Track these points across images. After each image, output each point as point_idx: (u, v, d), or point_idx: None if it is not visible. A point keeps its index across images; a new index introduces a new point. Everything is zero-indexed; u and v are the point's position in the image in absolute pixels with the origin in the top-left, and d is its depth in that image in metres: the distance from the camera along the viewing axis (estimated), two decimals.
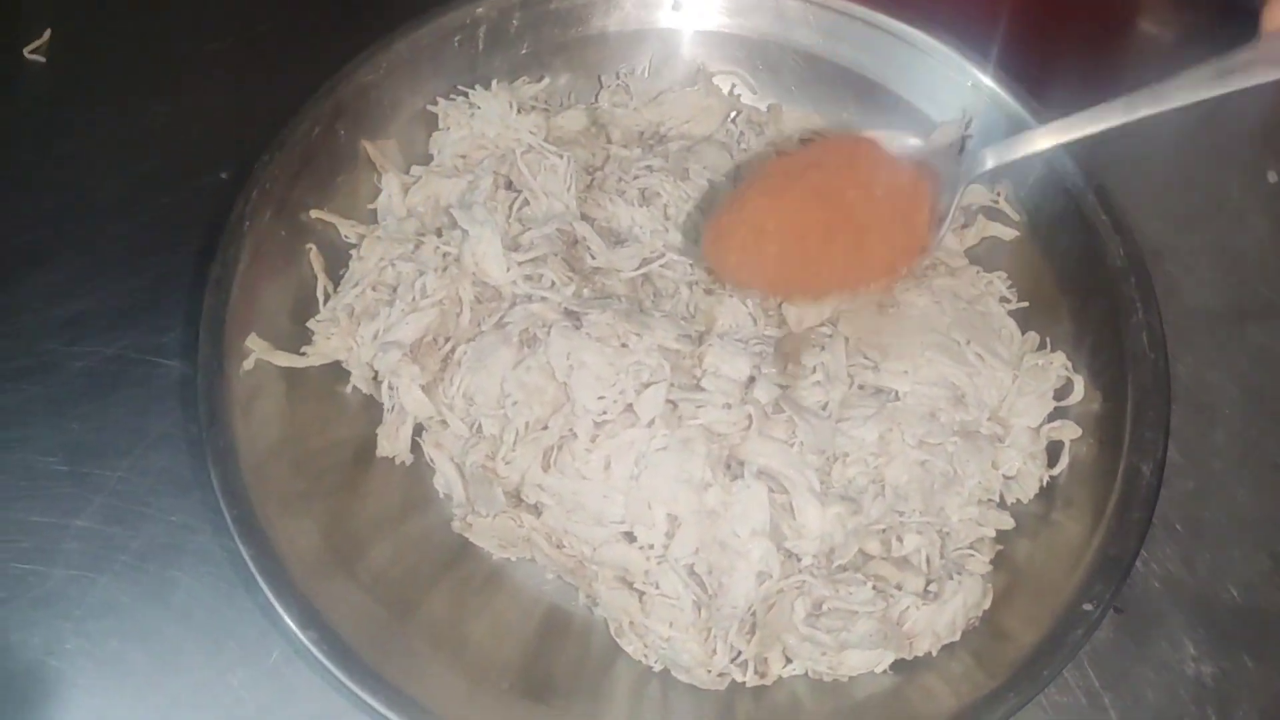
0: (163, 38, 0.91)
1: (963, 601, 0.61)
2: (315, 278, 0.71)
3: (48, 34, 0.89)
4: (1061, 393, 0.69)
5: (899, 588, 0.62)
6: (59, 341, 0.75)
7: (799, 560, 0.62)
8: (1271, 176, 0.89)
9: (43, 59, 0.89)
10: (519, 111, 0.76)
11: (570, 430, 0.63)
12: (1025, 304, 0.73)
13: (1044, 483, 0.68)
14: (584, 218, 0.72)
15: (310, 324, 0.68)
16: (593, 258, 0.69)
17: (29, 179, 0.83)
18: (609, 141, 0.78)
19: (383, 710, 0.54)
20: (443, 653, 0.61)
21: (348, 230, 0.73)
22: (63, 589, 0.66)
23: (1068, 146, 0.73)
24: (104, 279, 0.78)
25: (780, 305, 0.70)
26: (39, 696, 0.64)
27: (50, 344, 0.75)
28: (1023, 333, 0.72)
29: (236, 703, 0.64)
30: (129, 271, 0.78)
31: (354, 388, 0.69)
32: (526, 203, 0.72)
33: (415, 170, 0.75)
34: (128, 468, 0.71)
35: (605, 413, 0.62)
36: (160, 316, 0.76)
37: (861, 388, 0.68)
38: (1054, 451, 0.69)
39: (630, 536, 0.62)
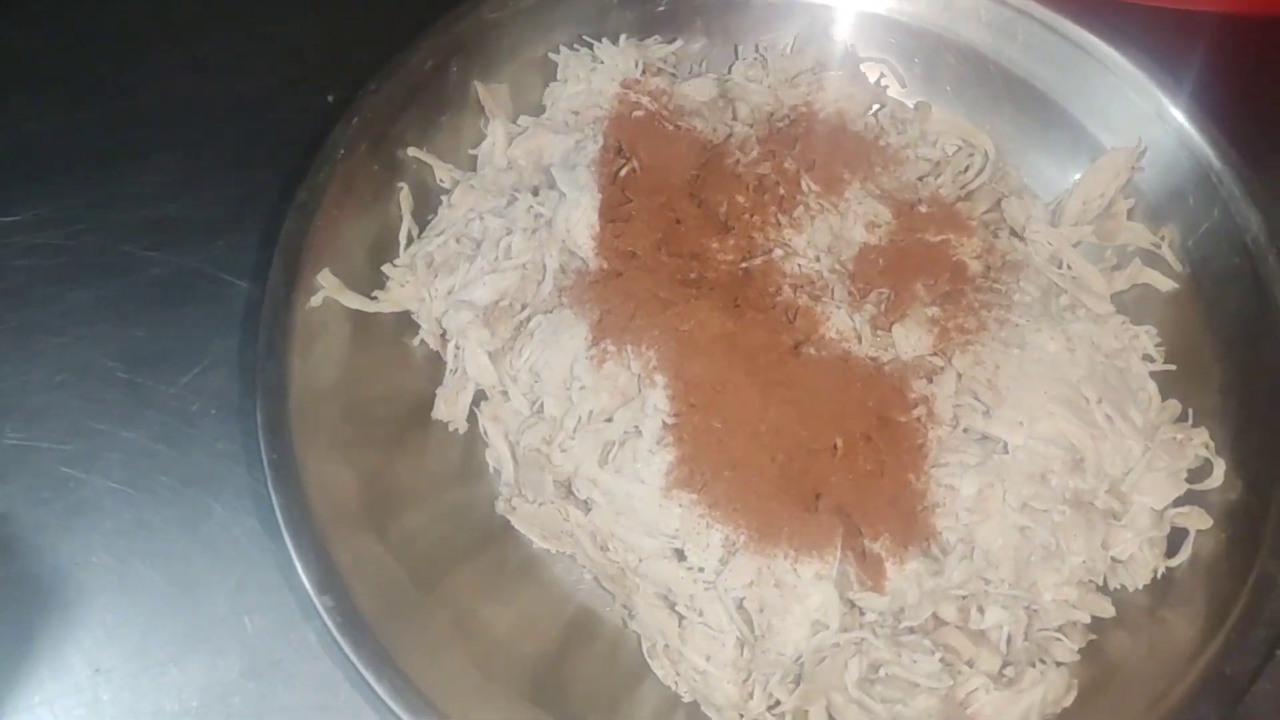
0: None
1: (1042, 695, 0.54)
2: (401, 218, 0.67)
3: None
4: (1197, 475, 0.61)
5: (970, 664, 0.55)
6: (140, 245, 0.73)
7: (862, 614, 0.55)
8: None
9: None
10: (645, 72, 0.70)
11: (636, 427, 0.57)
12: (1172, 367, 0.65)
13: (1158, 574, 0.59)
14: (693, 197, 0.66)
15: (386, 269, 0.64)
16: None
17: (144, 77, 0.82)
18: (734, 118, 0.71)
19: (387, 700, 0.50)
20: (460, 638, 0.57)
21: (443, 173, 0.69)
22: (99, 500, 0.65)
23: (1253, 196, 0.64)
24: (196, 186, 0.76)
25: (891, 325, 0.63)
26: (58, 604, 0.62)
27: (131, 245, 0.73)
28: (1164, 399, 0.63)
29: (249, 649, 0.61)
30: (221, 182, 0.77)
31: (421, 341, 0.65)
32: (635, 171, 0.66)
33: (523, 120, 0.70)
34: (184, 385, 0.69)
35: (678, 415, 0.57)
36: (242, 233, 0.74)
37: (966, 431, 0.61)
38: (1176, 540, 0.60)
39: (681, 554, 0.57)
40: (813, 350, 0.60)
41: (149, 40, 0.83)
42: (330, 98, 0.78)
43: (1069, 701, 0.55)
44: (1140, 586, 0.59)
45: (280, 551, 0.62)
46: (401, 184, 0.67)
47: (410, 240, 0.66)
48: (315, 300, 0.61)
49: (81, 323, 0.70)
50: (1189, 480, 0.61)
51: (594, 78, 0.69)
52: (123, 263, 0.73)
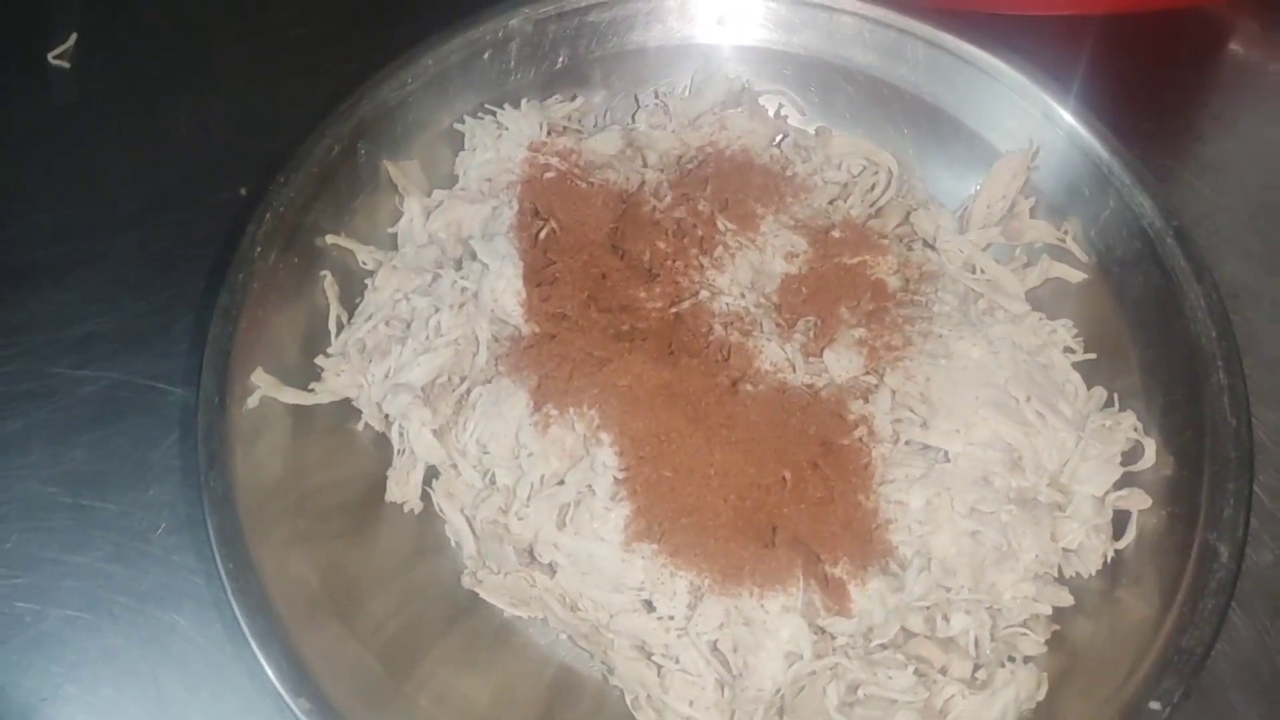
0: (189, 44, 0.89)
1: (1015, 693, 0.55)
2: (329, 306, 0.67)
3: (73, 39, 0.87)
4: (1130, 457, 0.63)
5: (943, 672, 0.56)
6: (66, 365, 0.72)
7: (833, 639, 0.57)
8: None
9: (67, 65, 0.86)
10: (550, 133, 0.71)
11: (589, 486, 0.58)
12: (1092, 355, 0.67)
13: (1108, 557, 0.61)
14: (614, 249, 0.67)
15: (319, 360, 0.65)
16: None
17: (52, 188, 0.81)
18: (645, 165, 0.73)
19: None
20: (444, 716, 0.57)
21: (365, 256, 0.69)
22: (59, 630, 0.64)
23: (1144, 181, 0.67)
24: (117, 298, 0.76)
25: (822, 351, 0.65)
26: None
27: (58, 367, 0.73)
28: (1089, 388, 0.66)
29: None
30: (143, 291, 0.76)
31: (365, 425, 0.66)
32: (555, 232, 0.67)
33: (438, 194, 0.71)
34: (130, 501, 0.68)
35: (628, 469, 0.58)
36: (170, 341, 0.73)
37: (908, 444, 0.63)
38: (1120, 522, 0.62)
39: (650, 605, 0.58)
40: (750, 386, 0.61)
41: (52, 151, 0.82)
42: (243, 190, 0.79)
43: (1041, 696, 0.57)
44: (1093, 572, 0.61)
45: (251, 657, 0.62)
46: (324, 272, 0.67)
47: (340, 326, 0.67)
48: (252, 401, 0.61)
49: (16, 453, 0.69)
50: (1124, 463, 0.63)
51: (501, 144, 0.70)
52: (51, 386, 0.72)
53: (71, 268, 0.77)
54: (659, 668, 0.57)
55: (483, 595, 0.62)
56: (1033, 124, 0.71)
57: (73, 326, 0.74)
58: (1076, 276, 0.70)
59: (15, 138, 0.83)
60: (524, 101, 0.72)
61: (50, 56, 0.86)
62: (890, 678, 0.55)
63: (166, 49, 0.88)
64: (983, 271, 0.70)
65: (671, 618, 0.56)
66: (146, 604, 0.65)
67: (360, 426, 0.66)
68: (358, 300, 0.69)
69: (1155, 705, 0.53)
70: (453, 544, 0.64)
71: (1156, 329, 0.65)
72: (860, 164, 0.75)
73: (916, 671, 0.56)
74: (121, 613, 0.65)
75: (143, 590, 0.65)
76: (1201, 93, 0.86)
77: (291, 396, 0.63)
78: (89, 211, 0.80)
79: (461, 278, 0.64)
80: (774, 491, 0.58)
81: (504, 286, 0.62)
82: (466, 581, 0.62)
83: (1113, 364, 0.67)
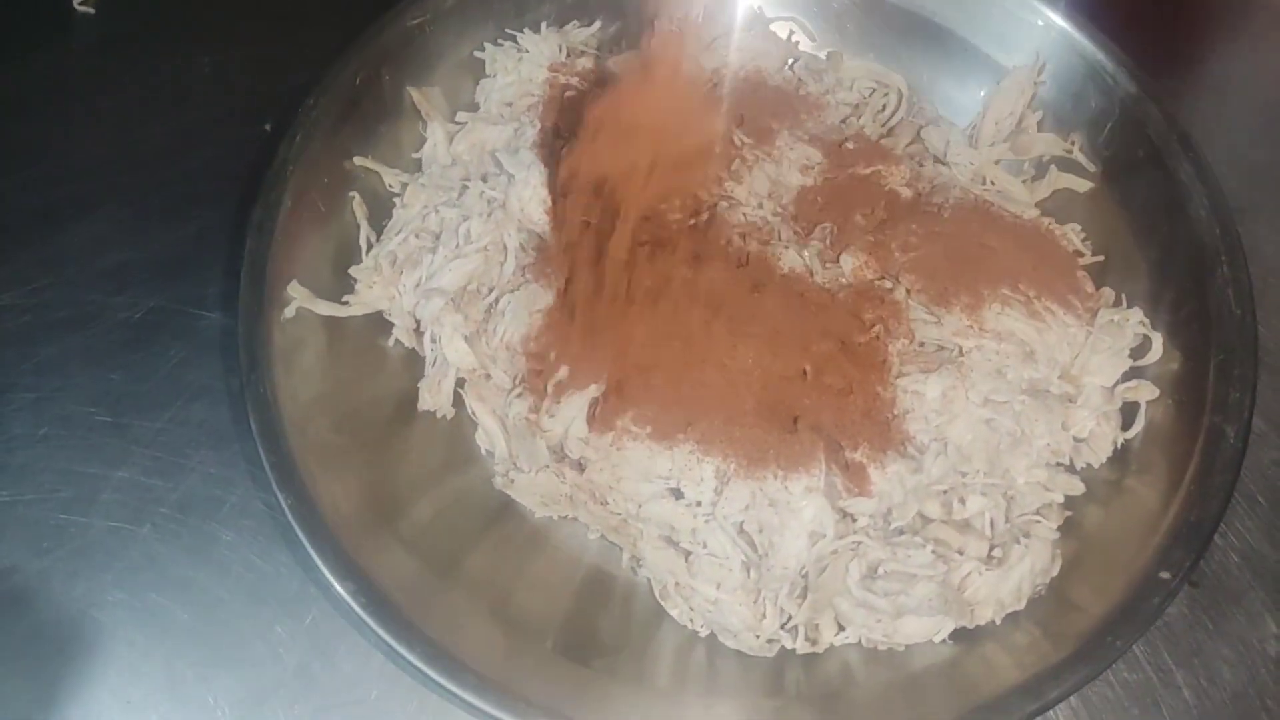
0: None
1: (1029, 567, 0.58)
2: (358, 226, 0.69)
3: None
4: (1138, 351, 0.65)
5: (960, 552, 0.59)
6: (102, 292, 0.74)
7: (854, 520, 0.59)
8: None
9: (92, 10, 0.88)
10: (570, 56, 0.73)
11: (618, 382, 0.60)
12: (1100, 258, 0.69)
13: (1118, 446, 0.64)
14: None
15: (352, 271, 0.67)
16: None
17: (78, 129, 0.83)
18: None
19: (421, 665, 0.52)
20: (483, 610, 0.59)
21: (391, 179, 0.71)
22: (103, 540, 0.66)
23: (1148, 90, 0.69)
24: (148, 230, 0.77)
25: (839, 256, 0.67)
26: (79, 648, 0.63)
27: (93, 294, 0.74)
28: (1098, 288, 0.68)
29: (274, 659, 0.62)
30: (173, 223, 0.78)
31: (396, 341, 0.68)
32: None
33: (461, 116, 0.73)
34: (168, 419, 0.70)
35: (653, 363, 0.60)
36: (202, 269, 0.75)
37: (923, 343, 0.65)
38: (1129, 413, 0.65)
39: (678, 493, 0.60)
40: (770, 287, 0.63)
41: (79, 93, 0.84)
42: (267, 126, 0.80)
43: (1055, 570, 0.59)
44: (1104, 461, 0.64)
45: (293, 560, 0.65)
46: (353, 193, 0.69)
47: (370, 245, 0.68)
48: (289, 311, 0.63)
49: (55, 375, 0.71)
50: (1132, 357, 0.65)
51: (521, 67, 0.72)
52: (87, 312, 0.73)
53: (102, 202, 0.78)
54: (687, 554, 0.59)
55: (514, 496, 0.64)
56: (1038, 39, 0.73)
57: (106, 257, 0.76)
58: (1084, 185, 0.72)
59: (43, 81, 0.84)
60: (543, 25, 0.74)
61: (75, 3, 0.88)
62: (910, 555, 0.57)
63: None
64: (993, 183, 0.72)
65: (699, 503, 0.59)
66: (186, 514, 0.67)
67: (391, 342, 0.68)
68: (385, 221, 0.70)
69: (1165, 575, 0.55)
70: (483, 451, 0.66)
71: (1163, 231, 0.67)
72: (871, 85, 0.77)
73: (934, 552, 0.58)
74: (163, 522, 0.66)
75: (182, 501, 0.67)
76: (1204, 12, 0.87)
77: (326, 308, 0.65)
78: (115, 150, 0.81)
79: (489, 188, 0.66)
80: (795, 383, 0.60)
81: (530, 195, 0.64)
82: (499, 483, 0.64)
83: (1121, 267, 0.69)
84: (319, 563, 0.55)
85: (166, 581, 0.65)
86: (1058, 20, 0.72)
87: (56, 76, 0.85)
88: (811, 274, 0.66)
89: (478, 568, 0.62)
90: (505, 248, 0.64)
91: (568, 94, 0.70)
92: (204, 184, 0.79)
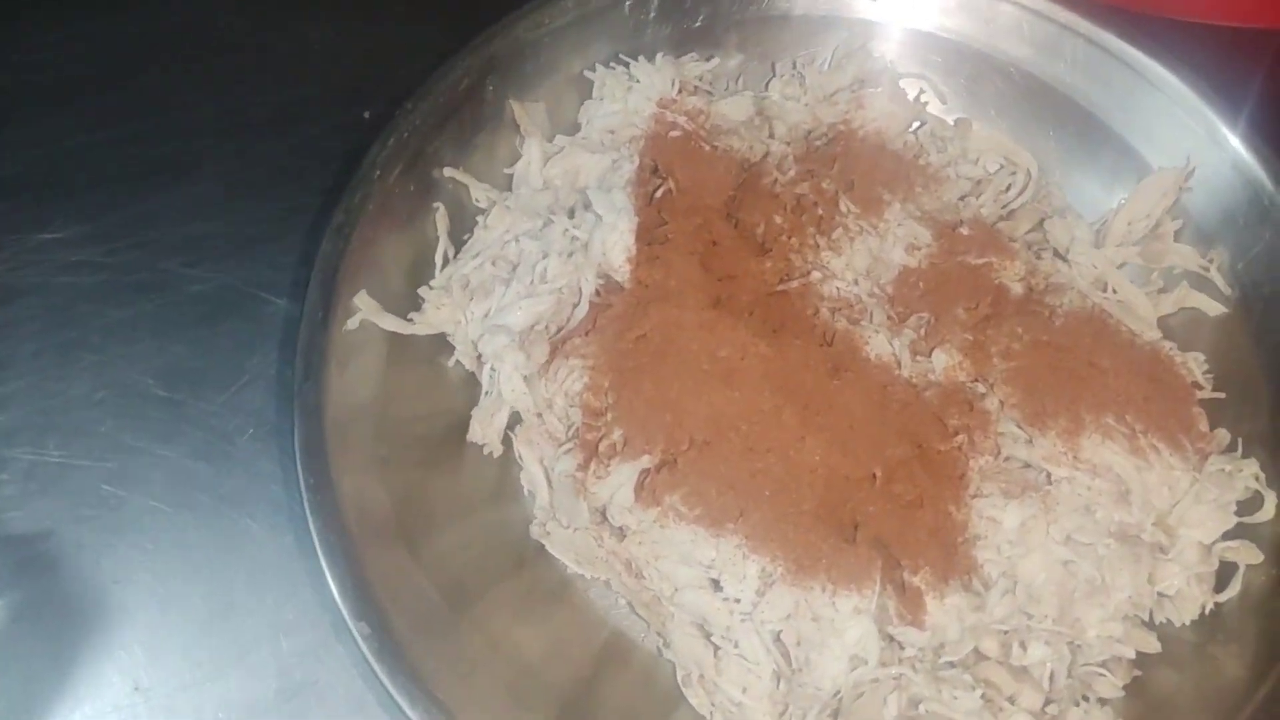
0: None
1: None
2: (438, 239, 0.67)
3: None
4: (1247, 507, 0.59)
5: (1011, 700, 0.54)
6: (178, 262, 0.74)
7: (901, 648, 0.55)
8: None
9: None
10: (680, 91, 0.69)
11: (673, 456, 0.57)
12: (1221, 395, 0.63)
13: (1206, 609, 0.58)
14: (729, 218, 0.66)
15: (422, 291, 0.64)
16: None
17: (183, 91, 0.82)
18: (771, 135, 0.71)
19: None
20: (493, 660, 0.57)
21: (479, 194, 0.68)
22: (139, 518, 0.65)
23: None
24: (235, 203, 0.76)
25: (931, 351, 0.62)
26: (98, 621, 0.63)
27: (171, 262, 0.74)
28: (1213, 428, 0.62)
29: (284, 669, 0.61)
30: (260, 199, 0.77)
31: (457, 361, 0.65)
32: (671, 192, 0.66)
33: (559, 139, 0.70)
34: (223, 402, 0.69)
35: (714, 442, 0.56)
36: (280, 251, 0.74)
37: (1008, 460, 0.60)
38: (1225, 574, 0.59)
39: (717, 584, 0.56)
40: (851, 375, 0.59)
41: (188, 53, 0.83)
42: (367, 114, 0.79)
43: None
44: (1187, 622, 0.58)
45: (316, 571, 0.63)
46: (437, 204, 0.67)
47: (446, 260, 0.66)
48: (352, 323, 0.61)
49: (120, 340, 0.71)
50: (1238, 513, 0.59)
51: (630, 97, 0.69)
52: (161, 280, 0.73)
53: (197, 165, 0.78)
54: (716, 649, 0.56)
55: (549, 548, 0.61)
56: (1192, 141, 0.67)
57: (189, 225, 0.75)
58: (1215, 309, 0.66)
59: (164, 38, 0.84)
60: (659, 56, 0.70)
61: None
62: (955, 698, 0.53)
63: None
64: (1114, 290, 0.66)
65: (738, 600, 0.55)
66: (225, 504, 0.66)
67: (451, 363, 0.66)
68: (465, 236, 0.68)
69: None
70: (526, 493, 0.64)
71: None
72: (998, 162, 0.72)
73: (983, 696, 0.54)
74: (200, 509, 0.66)
75: (223, 490, 0.66)
76: None
77: (391, 324, 0.63)
78: (220, 115, 0.81)
79: (574, 226, 0.63)
80: (862, 487, 0.56)
81: (615, 240, 0.61)
82: (535, 531, 0.62)
83: (1242, 406, 0.63)
84: (337, 598, 0.53)
85: (193, 570, 0.64)
86: (1220, 125, 0.65)
87: (172, 33, 0.84)
88: (899, 365, 0.61)
89: (496, 609, 0.60)
90: (581, 291, 0.61)
91: (672, 133, 0.66)
92: (300, 162, 0.78)
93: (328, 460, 0.57)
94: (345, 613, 0.53)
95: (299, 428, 0.58)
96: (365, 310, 0.61)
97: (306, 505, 0.56)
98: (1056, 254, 0.68)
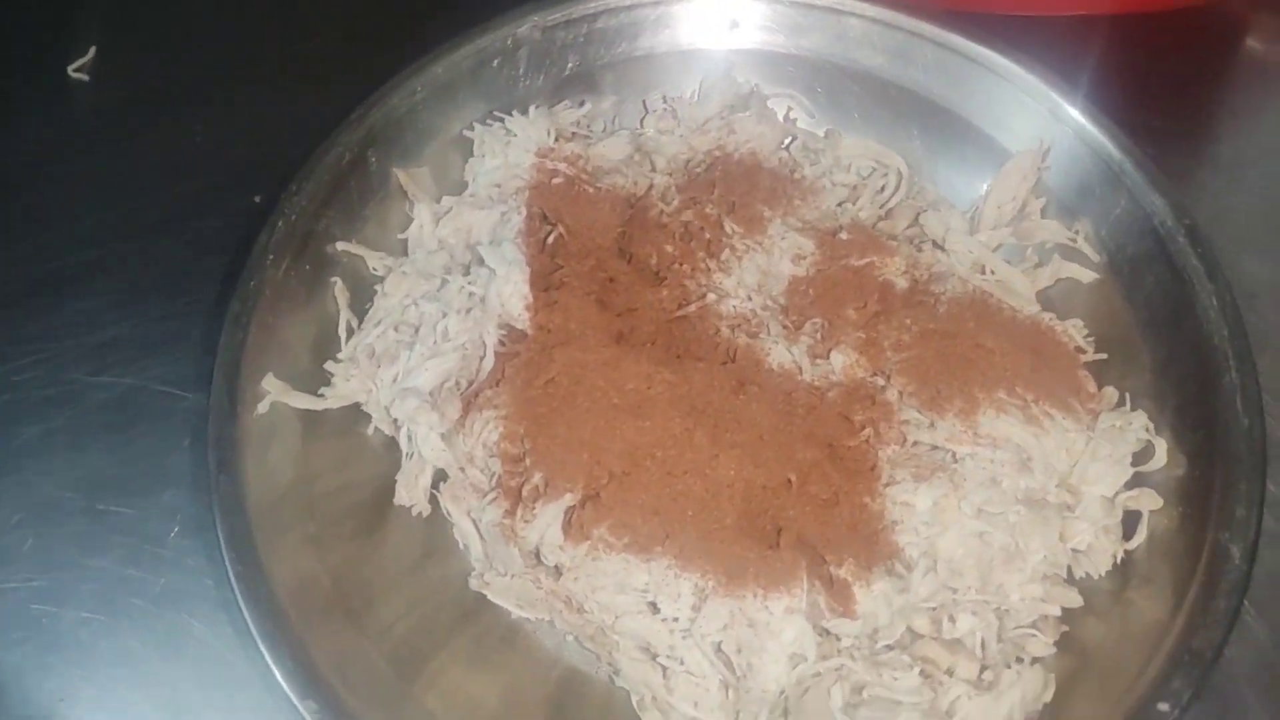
0: (204, 58, 0.90)
1: (1021, 694, 0.55)
2: (339, 312, 0.68)
3: (92, 52, 0.88)
4: (1141, 457, 0.63)
5: (949, 673, 0.56)
6: (84, 371, 0.73)
7: (838, 640, 0.57)
8: None
9: (87, 77, 0.88)
10: (558, 139, 0.71)
11: (595, 491, 0.58)
12: (1103, 356, 0.67)
13: (1118, 558, 0.61)
14: (622, 254, 0.68)
15: (329, 366, 0.65)
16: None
17: (74, 200, 0.82)
18: (653, 170, 0.73)
19: None
20: (453, 716, 0.57)
21: (375, 262, 0.69)
22: (75, 632, 0.65)
23: (1155, 180, 0.67)
24: (135, 305, 0.77)
25: (829, 352, 0.65)
26: None
27: (77, 373, 0.73)
28: (1100, 388, 0.65)
29: None
30: (161, 298, 0.77)
31: (375, 429, 0.66)
32: (562, 237, 0.68)
33: (447, 200, 0.71)
34: (145, 506, 0.69)
35: (631, 473, 0.58)
36: (186, 346, 0.74)
37: (915, 445, 0.62)
38: (1130, 523, 0.62)
39: (654, 607, 0.58)
40: (755, 388, 0.61)
41: (68, 166, 0.83)
42: (257, 199, 0.79)
43: (1048, 697, 0.56)
44: (1103, 573, 0.61)
45: (262, 659, 0.63)
46: (334, 279, 0.68)
47: (350, 332, 0.67)
48: (262, 407, 0.62)
49: (34, 457, 0.70)
50: (1134, 464, 0.62)
51: (509, 151, 0.71)
52: (69, 392, 0.73)
53: (93, 275, 0.78)
54: (664, 669, 0.57)
55: (490, 597, 0.62)
56: (1043, 124, 0.71)
57: (92, 333, 0.75)
58: (1088, 276, 0.69)
59: (37, 150, 0.84)
60: (532, 108, 0.73)
61: (70, 70, 0.87)
62: (895, 679, 0.55)
63: (182, 62, 0.89)
64: (993, 272, 0.70)
65: (676, 619, 0.57)
66: (161, 606, 0.65)
67: (370, 430, 0.67)
68: (368, 306, 0.69)
69: (1164, 707, 0.53)
70: (461, 546, 0.65)
71: (1168, 328, 0.65)
72: (869, 166, 0.75)
73: (922, 673, 0.56)
74: (137, 615, 0.65)
75: (157, 593, 0.66)
76: (1216, 90, 0.85)
77: (302, 401, 0.64)
78: (110, 221, 0.81)
79: (469, 283, 0.65)
80: (779, 494, 0.58)
81: (510, 291, 0.63)
82: (474, 583, 0.63)
83: (1124, 364, 0.66)
84: (282, 682, 0.54)
85: (140, 677, 0.64)
86: (1065, 105, 0.70)
87: (52, 145, 0.85)
88: (800, 371, 0.64)
89: (449, 668, 0.60)
90: (484, 344, 0.63)
91: (555, 180, 0.68)
92: (197, 257, 0.79)
93: (255, 548, 0.57)
94: (291, 694, 0.53)
95: (220, 520, 0.58)
96: (274, 392, 0.62)
97: (239, 596, 0.56)
98: (935, 245, 0.72)
